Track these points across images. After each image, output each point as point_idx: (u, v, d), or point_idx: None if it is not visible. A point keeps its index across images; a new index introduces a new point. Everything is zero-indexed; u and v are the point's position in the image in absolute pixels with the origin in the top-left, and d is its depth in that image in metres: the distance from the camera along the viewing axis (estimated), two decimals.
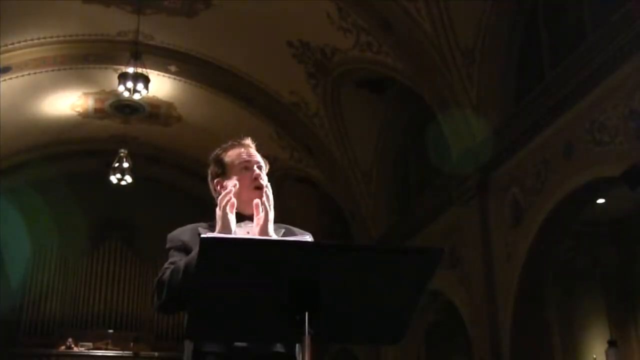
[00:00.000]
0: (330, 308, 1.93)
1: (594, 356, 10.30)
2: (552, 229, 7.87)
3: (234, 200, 2.37)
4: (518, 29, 8.78)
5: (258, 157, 2.60)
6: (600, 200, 8.92)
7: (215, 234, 2.31)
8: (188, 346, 2.35)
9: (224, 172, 2.57)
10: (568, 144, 7.41)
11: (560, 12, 8.18)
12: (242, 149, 2.60)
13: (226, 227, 2.34)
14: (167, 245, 2.50)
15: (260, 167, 2.58)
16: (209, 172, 2.64)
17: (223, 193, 2.39)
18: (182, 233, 2.51)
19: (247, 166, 2.55)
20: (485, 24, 8.69)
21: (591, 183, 7.25)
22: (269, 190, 2.44)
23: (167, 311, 2.46)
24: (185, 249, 2.45)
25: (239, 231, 2.49)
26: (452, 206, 9.54)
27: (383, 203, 11.90)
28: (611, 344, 8.99)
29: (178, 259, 2.41)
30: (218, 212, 2.36)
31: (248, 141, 2.65)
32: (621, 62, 6.68)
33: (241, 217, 2.51)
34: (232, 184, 2.42)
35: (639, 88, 6.50)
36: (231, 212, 2.36)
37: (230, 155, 2.59)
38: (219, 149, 2.66)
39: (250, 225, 2.50)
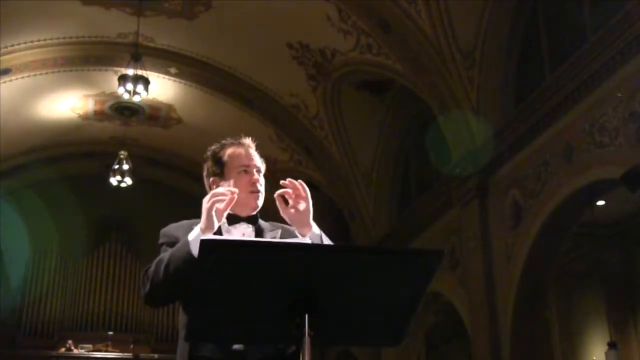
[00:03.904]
0: (330, 310, 1.93)
1: (594, 358, 10.29)
2: (552, 230, 7.86)
3: (221, 207, 2.31)
4: (518, 30, 8.78)
5: (257, 160, 2.57)
6: (600, 202, 8.92)
7: (215, 236, 2.30)
8: (182, 348, 2.34)
9: (221, 171, 2.54)
10: (568, 145, 7.41)
11: (560, 14, 8.18)
12: (242, 150, 2.56)
13: (210, 226, 2.29)
14: (160, 241, 2.48)
15: (259, 171, 2.55)
16: (205, 167, 2.60)
17: (218, 190, 2.35)
18: (177, 229, 2.48)
19: (246, 170, 2.52)
20: (485, 26, 8.69)
21: (591, 185, 7.25)
22: (304, 185, 2.41)
23: (152, 303, 2.44)
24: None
25: (235, 233, 2.49)
26: (453, 208, 9.54)
27: (383, 205, 11.90)
28: (611, 345, 8.97)
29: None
30: (205, 205, 2.31)
31: (248, 141, 2.60)
32: (621, 64, 6.69)
33: (236, 219, 2.50)
34: (232, 190, 2.36)
35: (639, 90, 6.50)
36: (218, 216, 2.31)
37: (230, 155, 2.55)
38: (217, 145, 2.61)
39: (245, 227, 2.50)
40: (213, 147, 2.61)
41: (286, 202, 2.41)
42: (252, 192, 2.50)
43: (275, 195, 2.40)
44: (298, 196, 2.39)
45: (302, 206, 2.38)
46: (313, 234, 2.38)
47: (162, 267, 2.29)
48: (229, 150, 2.57)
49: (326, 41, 10.28)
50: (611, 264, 10.70)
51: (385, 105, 11.42)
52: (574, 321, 10.97)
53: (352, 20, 9.61)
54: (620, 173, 6.38)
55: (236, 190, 2.37)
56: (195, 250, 2.21)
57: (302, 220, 2.38)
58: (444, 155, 9.51)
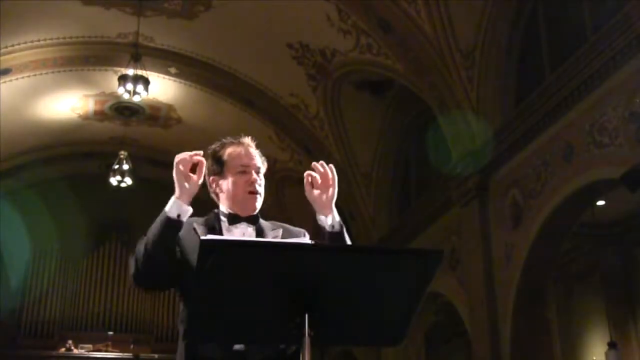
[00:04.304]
0: (330, 310, 1.93)
1: (594, 358, 10.29)
2: (552, 230, 7.86)
3: (183, 162, 2.36)
4: (518, 30, 8.78)
5: (257, 160, 2.58)
6: (600, 202, 8.92)
7: (215, 236, 2.31)
8: (182, 347, 2.34)
9: (221, 170, 2.56)
10: (568, 145, 7.41)
11: (560, 14, 8.18)
12: (242, 150, 2.58)
13: (184, 192, 2.35)
14: None
15: (258, 171, 2.56)
16: (206, 167, 2.61)
17: (183, 154, 2.39)
18: None
19: (245, 170, 2.54)
20: (485, 26, 8.69)
21: (591, 185, 7.24)
22: (334, 170, 2.50)
23: (140, 280, 2.43)
24: (177, 242, 2.45)
25: (235, 233, 2.49)
26: (452, 208, 9.53)
27: (383, 205, 11.90)
28: (611, 345, 8.98)
29: None
30: (174, 174, 2.37)
31: (248, 140, 2.62)
32: (621, 64, 6.68)
33: (237, 219, 2.51)
34: (196, 152, 2.41)
35: (639, 90, 6.50)
36: (192, 185, 2.36)
37: (230, 155, 2.57)
38: (217, 144, 2.63)
39: (245, 227, 2.50)
40: (213, 146, 2.64)
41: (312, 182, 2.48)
42: (251, 192, 2.52)
43: (305, 174, 2.49)
44: (326, 181, 2.46)
45: (329, 191, 2.47)
46: (334, 219, 2.43)
47: (145, 240, 2.35)
48: (229, 150, 2.58)
49: (326, 41, 10.28)
50: (611, 264, 10.70)
51: (385, 105, 11.41)
52: (574, 321, 10.97)
53: (352, 20, 9.60)
54: (620, 173, 6.38)
55: (200, 152, 2.43)
56: (171, 213, 2.30)
57: (325, 203, 2.46)
58: (444, 155, 9.50)
